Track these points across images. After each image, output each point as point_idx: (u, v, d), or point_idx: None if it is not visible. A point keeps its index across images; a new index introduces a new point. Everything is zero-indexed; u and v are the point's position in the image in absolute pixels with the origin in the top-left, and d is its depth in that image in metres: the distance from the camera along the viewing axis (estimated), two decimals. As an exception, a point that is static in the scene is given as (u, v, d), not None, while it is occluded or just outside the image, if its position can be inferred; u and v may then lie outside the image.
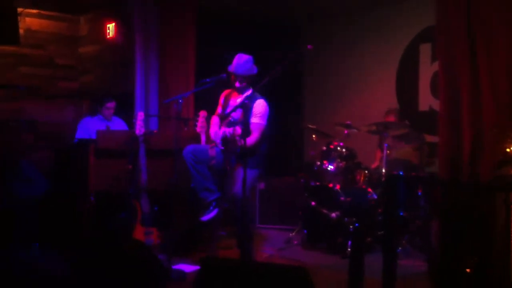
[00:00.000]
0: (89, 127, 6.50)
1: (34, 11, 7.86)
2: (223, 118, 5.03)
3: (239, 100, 4.96)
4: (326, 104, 8.79)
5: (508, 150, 3.91)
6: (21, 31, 7.02)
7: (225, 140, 4.82)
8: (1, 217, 5.35)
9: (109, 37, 7.77)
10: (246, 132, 4.56)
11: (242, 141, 4.43)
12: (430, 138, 6.45)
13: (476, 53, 4.33)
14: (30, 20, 7.85)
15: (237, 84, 4.94)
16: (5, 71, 7.67)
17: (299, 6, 8.02)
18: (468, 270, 3.91)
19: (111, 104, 6.61)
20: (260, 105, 4.84)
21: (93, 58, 8.26)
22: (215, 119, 5.13)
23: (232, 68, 4.94)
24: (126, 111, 6.74)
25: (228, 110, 4.97)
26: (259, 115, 4.83)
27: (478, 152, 4.23)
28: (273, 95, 5.17)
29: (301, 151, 8.88)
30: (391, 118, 6.56)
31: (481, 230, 3.88)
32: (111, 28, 7.72)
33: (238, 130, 4.69)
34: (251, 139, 4.74)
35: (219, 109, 5.20)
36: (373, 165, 6.55)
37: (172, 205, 5.19)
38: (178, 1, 6.93)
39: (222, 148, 4.88)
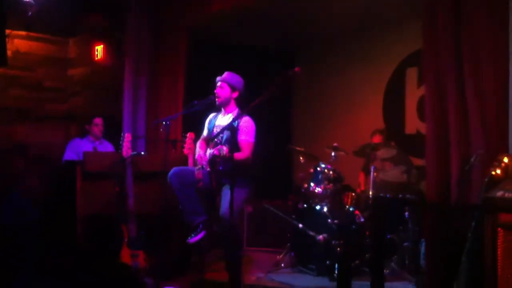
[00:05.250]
0: (78, 149, 6.47)
1: (23, 33, 7.84)
2: (210, 140, 5.03)
3: (225, 119, 4.99)
4: (315, 126, 8.84)
5: (493, 173, 3.92)
6: (9, 53, 6.99)
7: (213, 160, 4.80)
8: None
9: (98, 59, 7.78)
10: (234, 151, 4.56)
11: (230, 155, 4.42)
12: (417, 161, 6.48)
13: (464, 75, 4.37)
14: (18, 42, 7.82)
15: (218, 91, 4.97)
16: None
17: (290, 31, 8.08)
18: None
19: (98, 120, 6.62)
20: (246, 123, 4.86)
21: (82, 80, 8.24)
22: (201, 144, 5.13)
23: (220, 77, 5.02)
24: (114, 133, 6.72)
25: (215, 131, 4.98)
26: (246, 133, 4.83)
27: (466, 174, 4.25)
28: (262, 117, 5.18)
29: (290, 173, 8.87)
30: (377, 139, 6.60)
31: (469, 252, 3.88)
32: (99, 50, 7.73)
33: (225, 149, 4.69)
34: (242, 155, 4.74)
35: (204, 133, 5.21)
36: (358, 190, 6.56)
37: (160, 228, 5.15)
38: (169, 24, 6.97)
39: (209, 170, 4.87)
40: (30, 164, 7.62)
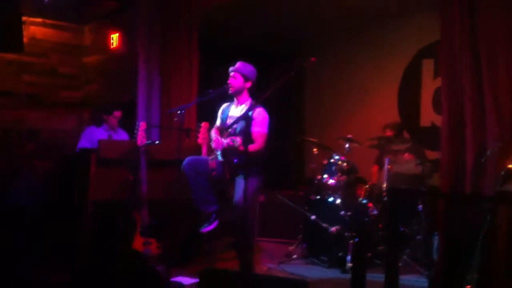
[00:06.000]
0: (93, 137, 6.48)
1: (39, 19, 7.88)
2: (224, 130, 5.02)
3: (238, 110, 4.98)
4: (328, 117, 8.79)
5: (510, 166, 3.89)
6: (25, 39, 7.03)
7: (225, 151, 4.79)
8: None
9: (113, 48, 7.79)
10: (248, 142, 4.55)
11: (244, 148, 4.42)
12: (431, 154, 6.43)
13: (481, 68, 4.33)
14: (34, 29, 7.87)
15: (231, 81, 4.95)
16: (8, 78, 7.69)
17: (300, 19, 8.01)
18: (468, 286, 3.88)
19: (118, 113, 6.63)
20: (260, 114, 4.85)
21: (96, 68, 8.27)
22: (216, 131, 5.12)
23: (233, 67, 4.99)
24: (128, 121, 6.74)
25: (229, 122, 4.97)
26: (259, 124, 4.82)
27: (481, 167, 4.21)
28: (274, 108, 5.15)
29: (302, 164, 8.85)
30: (388, 133, 6.55)
31: (482, 246, 3.85)
32: (114, 39, 7.74)
33: (239, 140, 4.68)
34: (255, 146, 4.73)
35: (218, 123, 5.19)
36: (369, 183, 6.52)
37: (172, 216, 5.16)
38: (181, 13, 6.95)
39: (222, 159, 4.86)
40: (41, 148, 7.68)
